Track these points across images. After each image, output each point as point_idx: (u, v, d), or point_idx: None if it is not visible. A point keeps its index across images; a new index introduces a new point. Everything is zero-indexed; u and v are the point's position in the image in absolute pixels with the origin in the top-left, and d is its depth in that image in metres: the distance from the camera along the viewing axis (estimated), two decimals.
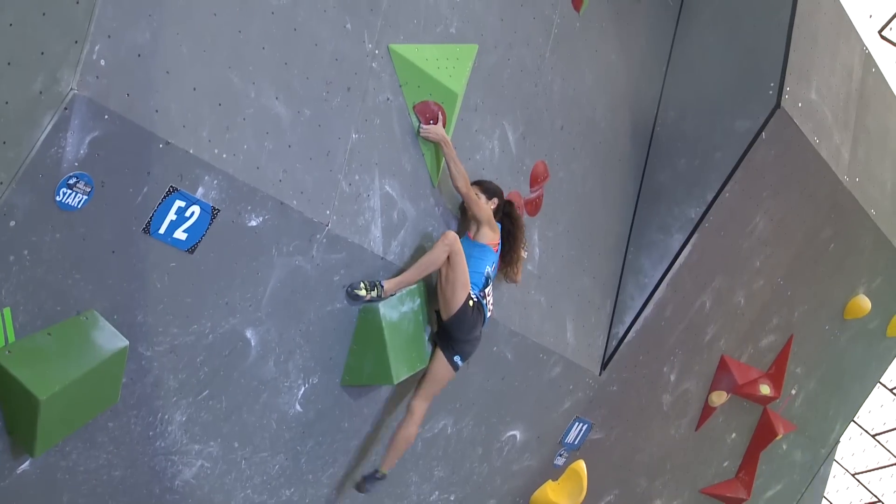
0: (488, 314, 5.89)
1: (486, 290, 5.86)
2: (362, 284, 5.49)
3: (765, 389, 8.88)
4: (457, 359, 5.88)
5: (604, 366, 7.55)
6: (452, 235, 5.58)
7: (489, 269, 5.89)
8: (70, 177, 4.01)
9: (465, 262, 5.62)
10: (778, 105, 7.10)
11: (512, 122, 6.44)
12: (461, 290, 5.63)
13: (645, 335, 7.67)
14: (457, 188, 5.74)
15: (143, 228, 4.41)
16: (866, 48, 8.43)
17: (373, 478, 5.85)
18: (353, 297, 5.52)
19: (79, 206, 4.11)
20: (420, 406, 5.89)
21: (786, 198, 7.90)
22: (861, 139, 8.34)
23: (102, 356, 4.33)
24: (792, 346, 9.18)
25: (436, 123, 5.71)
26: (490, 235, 5.90)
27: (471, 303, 5.68)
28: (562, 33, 6.83)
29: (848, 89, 8.12)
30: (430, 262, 5.58)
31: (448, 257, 5.57)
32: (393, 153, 5.61)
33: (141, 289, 4.54)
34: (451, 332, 5.79)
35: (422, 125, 5.70)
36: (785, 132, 7.30)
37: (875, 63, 8.59)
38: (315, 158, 5.12)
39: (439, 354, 5.89)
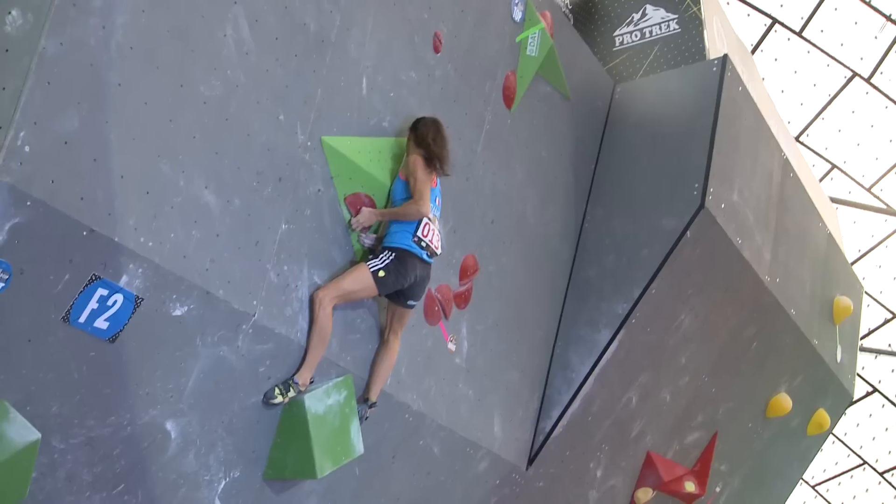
0: (426, 255, 5.74)
1: (422, 232, 5.68)
2: (276, 391, 5.39)
3: (690, 487, 8.89)
4: (410, 302, 5.87)
5: (531, 461, 7.49)
6: (318, 295, 5.43)
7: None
8: None
9: (342, 284, 5.50)
10: (702, 205, 7.26)
11: (442, 216, 6.47)
12: (363, 288, 5.57)
13: (572, 430, 7.64)
14: (422, 214, 5.68)
15: (63, 317, 4.29)
16: (784, 154, 8.70)
17: (365, 407, 5.92)
18: (272, 406, 5.43)
19: None
20: (396, 338, 5.97)
21: (710, 295, 8.02)
22: (781, 240, 8.55)
23: (11, 450, 4.13)
24: (716, 443, 9.23)
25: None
26: None
27: (381, 273, 5.55)
28: (493, 129, 6.93)
29: (768, 192, 8.35)
30: (323, 332, 5.44)
31: (334, 305, 5.48)
32: (323, 244, 5.58)
33: (57, 379, 4.38)
34: (392, 295, 5.80)
35: (353, 218, 5.69)
36: (709, 232, 7.45)
37: (793, 168, 8.86)
38: (243, 248, 5.06)
39: (392, 304, 5.91)
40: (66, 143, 4.10)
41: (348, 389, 5.77)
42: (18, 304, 4.10)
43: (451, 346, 6.65)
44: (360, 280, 5.55)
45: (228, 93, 4.90)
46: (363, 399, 5.92)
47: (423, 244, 5.71)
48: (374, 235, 5.82)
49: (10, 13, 3.91)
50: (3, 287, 3.99)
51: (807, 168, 11.99)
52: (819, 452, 11.58)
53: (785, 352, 9.34)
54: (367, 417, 5.91)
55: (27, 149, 3.94)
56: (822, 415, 10.56)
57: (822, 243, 9.65)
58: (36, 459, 4.32)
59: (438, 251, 5.86)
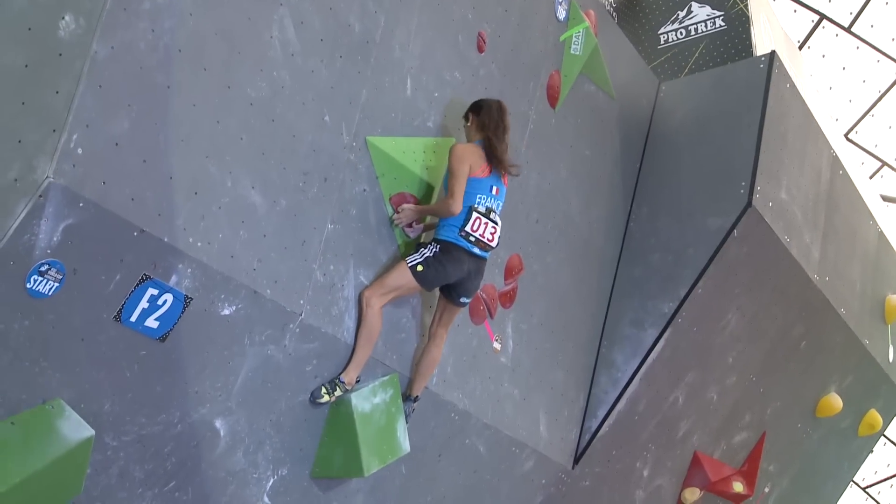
0: (476, 249, 5.66)
1: (470, 227, 5.61)
2: (323, 390, 5.43)
3: (738, 487, 8.80)
4: (462, 299, 5.81)
5: (577, 460, 7.47)
6: (365, 294, 5.48)
7: (477, 200, 5.66)
8: (42, 264, 3.97)
9: (386, 281, 5.51)
10: (749, 204, 7.19)
11: None
12: (405, 284, 5.55)
13: (618, 430, 7.60)
14: (452, 213, 5.60)
15: (115, 316, 4.36)
16: (833, 151, 8.59)
17: (409, 402, 5.91)
18: (319, 405, 5.47)
19: (49, 293, 4.06)
20: (442, 334, 5.90)
21: (758, 295, 7.94)
22: (830, 239, 8.43)
23: (67, 446, 4.21)
24: (765, 444, 9.13)
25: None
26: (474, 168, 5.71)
27: (419, 268, 5.52)
28: (537, 129, 6.93)
29: (817, 190, 8.25)
30: (371, 331, 5.48)
31: (382, 304, 5.51)
32: (368, 243, 5.61)
33: (109, 377, 4.46)
34: (444, 290, 5.77)
35: (395, 214, 5.71)
36: (756, 230, 7.38)
37: (842, 165, 8.74)
38: (290, 248, 5.11)
39: (443, 299, 5.84)
40: (116, 144, 4.17)
41: (394, 388, 5.80)
42: (72, 304, 4.18)
43: (497, 346, 6.65)
44: (402, 276, 5.54)
45: (274, 94, 4.95)
46: (406, 396, 5.92)
47: (472, 238, 5.63)
48: (421, 226, 5.82)
49: (63, 18, 3.98)
50: (57, 287, 4.07)
51: (856, 165, 11.82)
52: (870, 454, 11.40)
53: (835, 351, 9.21)
54: (413, 411, 5.93)
55: (80, 151, 4.01)
56: (874, 415, 10.40)
57: (872, 241, 9.50)
58: (90, 456, 4.40)
59: (493, 244, 5.73)
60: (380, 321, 5.49)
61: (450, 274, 5.62)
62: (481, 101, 5.90)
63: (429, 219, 5.88)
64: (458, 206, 5.58)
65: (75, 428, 4.28)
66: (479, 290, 6.19)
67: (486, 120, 5.81)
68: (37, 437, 4.13)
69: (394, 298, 5.62)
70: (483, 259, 5.76)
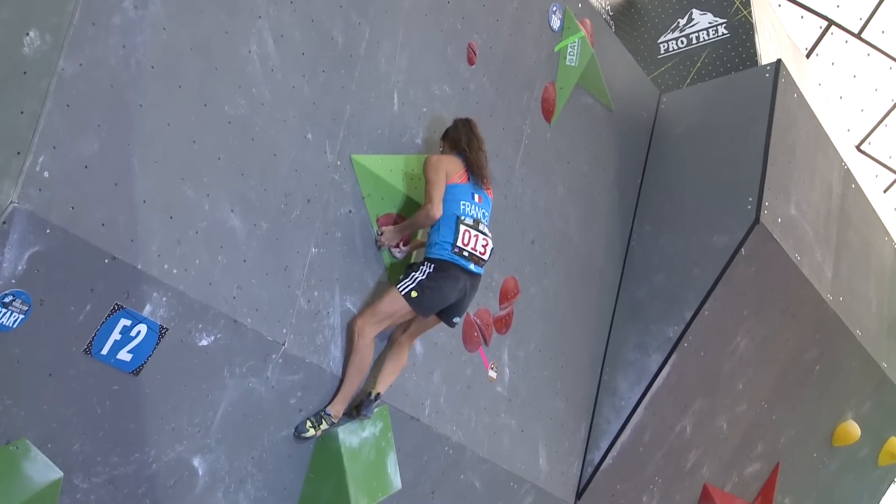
0: (472, 265, 5.61)
1: (461, 241, 5.56)
2: (308, 424, 5.40)
3: None
4: (455, 319, 5.77)
5: (579, 495, 7.45)
6: (357, 324, 5.46)
7: (462, 208, 5.63)
8: (5, 295, 3.95)
9: (378, 309, 5.48)
10: (757, 220, 7.21)
11: None
12: (399, 310, 5.50)
13: (622, 462, 7.58)
14: (431, 219, 5.59)
15: (85, 349, 4.33)
16: (845, 163, 8.61)
17: (369, 401, 5.60)
18: (304, 440, 5.44)
19: (14, 325, 4.03)
20: (408, 343, 5.82)
21: (768, 316, 7.94)
22: (843, 256, 8.45)
23: (32, 490, 4.17)
24: (779, 475, 9.12)
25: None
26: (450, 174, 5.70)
27: (413, 294, 5.46)
28: (532, 144, 6.94)
29: (828, 205, 8.27)
30: (362, 362, 5.45)
31: (375, 333, 5.49)
32: (355, 268, 5.60)
33: (79, 414, 4.42)
34: (437, 314, 5.72)
35: (377, 237, 5.69)
36: (765, 248, 7.39)
37: (854, 178, 8.77)
38: (272, 274, 5.09)
39: (435, 318, 5.77)
40: (86, 167, 4.16)
41: (384, 421, 5.78)
42: (38, 337, 4.15)
43: (492, 374, 6.64)
44: (394, 303, 5.50)
45: (254, 111, 4.95)
46: (367, 394, 5.63)
47: (466, 253, 5.59)
48: (407, 247, 5.81)
49: (27, 34, 3.98)
50: (22, 319, 4.05)
51: (870, 178, 11.84)
52: (892, 484, 11.38)
53: (851, 375, 9.21)
54: (372, 414, 5.66)
55: (46, 174, 4.00)
56: (895, 443, 10.39)
57: (888, 258, 9.53)
58: (58, 499, 4.36)
59: (485, 257, 5.70)
60: (371, 352, 5.47)
61: (447, 295, 5.57)
62: (448, 127, 6.00)
63: (420, 235, 5.86)
64: (437, 211, 5.56)
65: (42, 470, 4.24)
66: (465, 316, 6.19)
67: (456, 137, 5.87)
68: (1, 481, 4.09)
69: (388, 327, 5.60)
70: (478, 276, 5.73)
